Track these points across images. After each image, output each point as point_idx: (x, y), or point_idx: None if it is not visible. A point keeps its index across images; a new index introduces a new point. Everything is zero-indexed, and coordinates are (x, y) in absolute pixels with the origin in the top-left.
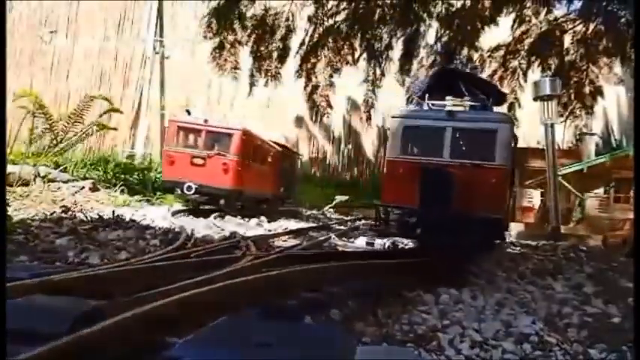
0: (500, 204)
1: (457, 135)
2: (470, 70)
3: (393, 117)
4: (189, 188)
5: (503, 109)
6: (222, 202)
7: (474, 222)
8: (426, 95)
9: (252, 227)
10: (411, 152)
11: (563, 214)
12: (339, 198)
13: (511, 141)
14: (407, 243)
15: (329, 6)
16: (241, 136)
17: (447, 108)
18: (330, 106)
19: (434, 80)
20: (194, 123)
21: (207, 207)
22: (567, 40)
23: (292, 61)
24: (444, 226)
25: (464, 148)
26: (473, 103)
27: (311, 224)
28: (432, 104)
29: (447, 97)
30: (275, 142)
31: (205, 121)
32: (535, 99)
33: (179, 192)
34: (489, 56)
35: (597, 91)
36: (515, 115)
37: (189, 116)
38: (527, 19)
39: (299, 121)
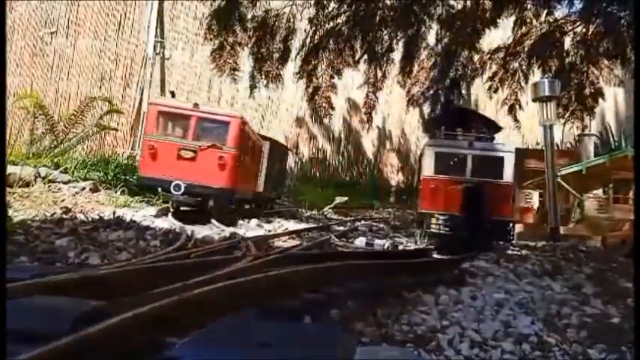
0: (510, 210)
1: (475, 160)
2: (471, 72)
3: (426, 145)
4: (177, 187)
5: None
6: (211, 203)
7: (495, 223)
8: (442, 127)
9: (253, 228)
10: (443, 172)
11: (563, 214)
12: (338, 199)
13: (513, 165)
14: (406, 243)
15: (330, 8)
16: (240, 124)
17: (460, 137)
18: (331, 107)
19: (448, 115)
20: (181, 107)
21: (190, 209)
22: (567, 41)
23: (292, 63)
24: (479, 226)
25: (480, 170)
26: (478, 135)
27: (311, 225)
28: (446, 134)
29: (458, 129)
30: (260, 135)
31: (195, 105)
32: (534, 100)
33: (161, 191)
34: (490, 58)
35: (597, 93)
36: (516, 116)
37: (173, 99)
38: (527, 20)
39: (299, 121)
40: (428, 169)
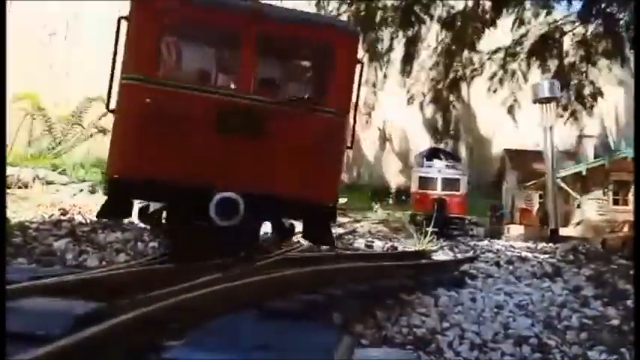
0: (464, 210)
1: (443, 180)
2: (471, 73)
3: (413, 171)
4: (222, 207)
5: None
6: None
7: (456, 218)
8: (424, 159)
9: None
10: (423, 188)
11: (563, 216)
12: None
13: (467, 182)
14: (406, 245)
15: (330, 8)
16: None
17: (436, 165)
18: None
19: (429, 151)
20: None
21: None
22: (567, 42)
23: None
24: (446, 220)
25: (445, 186)
26: (447, 163)
27: None
28: (426, 164)
29: (435, 160)
30: None
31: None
32: (534, 101)
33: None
34: (489, 58)
35: (597, 93)
36: (514, 116)
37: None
38: (526, 21)
39: None
40: (415, 186)
